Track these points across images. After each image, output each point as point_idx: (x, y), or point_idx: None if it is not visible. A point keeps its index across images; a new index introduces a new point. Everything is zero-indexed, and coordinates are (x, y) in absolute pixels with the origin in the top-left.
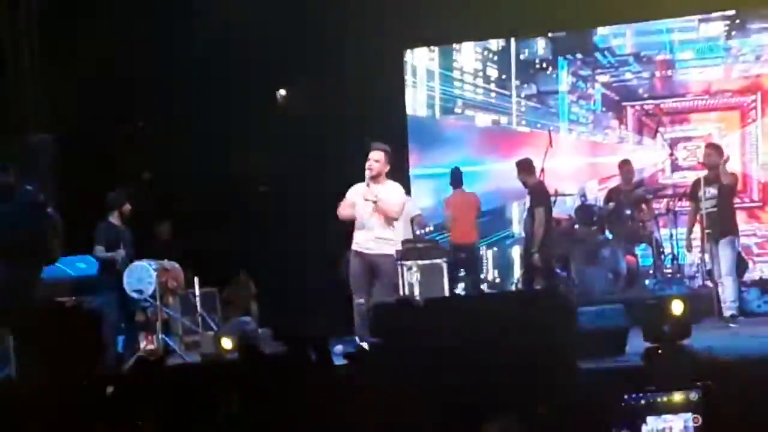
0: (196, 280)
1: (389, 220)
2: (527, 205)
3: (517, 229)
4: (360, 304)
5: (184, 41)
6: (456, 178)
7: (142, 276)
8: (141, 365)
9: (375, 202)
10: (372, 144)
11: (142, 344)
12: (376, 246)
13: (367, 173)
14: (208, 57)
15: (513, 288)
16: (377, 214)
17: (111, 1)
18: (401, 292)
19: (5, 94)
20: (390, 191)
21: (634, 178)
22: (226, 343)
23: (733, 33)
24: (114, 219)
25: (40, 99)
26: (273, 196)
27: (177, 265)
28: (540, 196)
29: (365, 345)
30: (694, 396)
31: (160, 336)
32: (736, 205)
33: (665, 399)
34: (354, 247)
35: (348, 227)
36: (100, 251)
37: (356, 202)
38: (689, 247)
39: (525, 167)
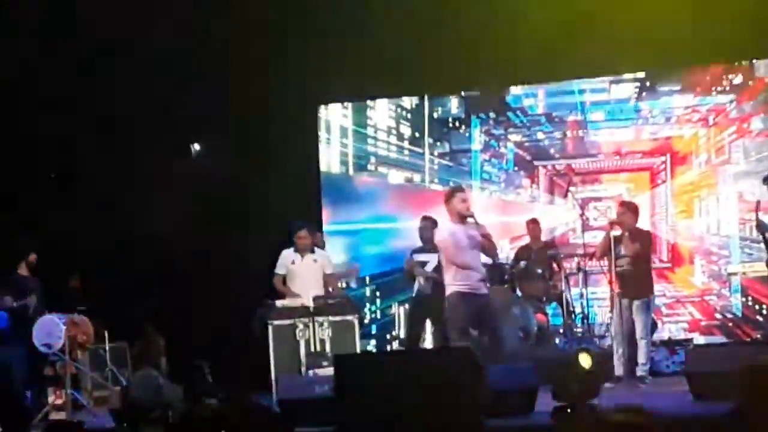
0: (106, 334)
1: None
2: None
3: None
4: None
5: (100, 95)
6: None
7: (51, 330)
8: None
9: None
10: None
11: (51, 399)
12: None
13: (466, 212)
14: (127, 111)
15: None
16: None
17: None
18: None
19: None
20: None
21: (542, 236)
22: None
23: (644, 95)
24: (22, 270)
25: None
26: (185, 251)
27: (86, 319)
28: None
29: None
30: None
31: (68, 391)
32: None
33: None
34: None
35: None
36: (9, 301)
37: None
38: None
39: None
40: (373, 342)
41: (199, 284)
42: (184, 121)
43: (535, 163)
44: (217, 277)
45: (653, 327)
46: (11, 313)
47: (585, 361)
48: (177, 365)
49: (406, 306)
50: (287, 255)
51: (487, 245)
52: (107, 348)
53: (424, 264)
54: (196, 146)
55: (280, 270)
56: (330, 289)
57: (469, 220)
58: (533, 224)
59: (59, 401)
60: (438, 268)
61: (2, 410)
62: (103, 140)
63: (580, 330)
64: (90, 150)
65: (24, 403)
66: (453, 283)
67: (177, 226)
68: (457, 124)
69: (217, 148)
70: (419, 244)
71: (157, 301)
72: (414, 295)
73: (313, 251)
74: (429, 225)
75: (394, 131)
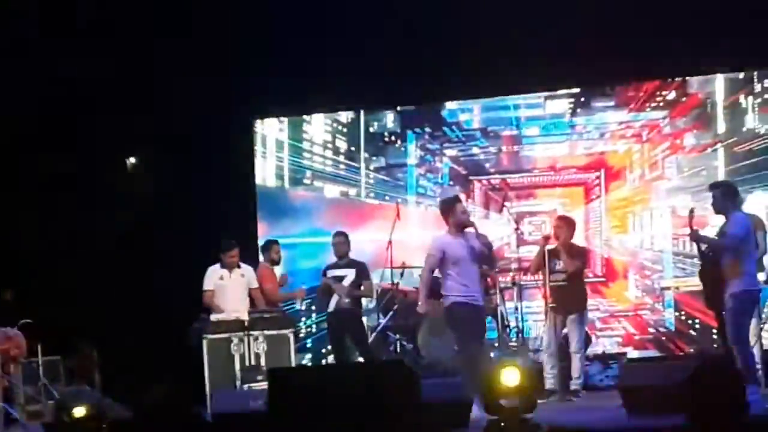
0: (39, 348)
1: None
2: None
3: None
4: None
5: (40, 105)
6: None
7: None
8: None
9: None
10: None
11: None
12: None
13: (468, 222)
14: (60, 122)
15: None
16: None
17: None
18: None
19: None
20: None
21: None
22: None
23: (578, 110)
24: None
25: None
26: (119, 264)
27: (19, 333)
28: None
29: None
30: None
31: (1, 405)
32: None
33: None
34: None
35: (196, 294)
36: None
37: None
38: None
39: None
40: (308, 356)
41: (133, 298)
42: (116, 134)
43: (471, 177)
44: (151, 291)
45: (587, 341)
46: None
47: (514, 377)
48: (110, 379)
49: None
50: (214, 271)
51: (487, 255)
52: (40, 362)
53: (341, 279)
54: (132, 159)
55: (208, 286)
56: (257, 304)
57: (469, 230)
58: None
59: None
60: (356, 283)
61: None
62: (35, 154)
63: (514, 344)
64: (20, 161)
65: None
66: (450, 294)
67: (112, 240)
68: (392, 138)
69: (153, 161)
70: (352, 257)
71: (90, 316)
72: (331, 310)
73: (239, 266)
74: (342, 240)
75: (330, 145)
